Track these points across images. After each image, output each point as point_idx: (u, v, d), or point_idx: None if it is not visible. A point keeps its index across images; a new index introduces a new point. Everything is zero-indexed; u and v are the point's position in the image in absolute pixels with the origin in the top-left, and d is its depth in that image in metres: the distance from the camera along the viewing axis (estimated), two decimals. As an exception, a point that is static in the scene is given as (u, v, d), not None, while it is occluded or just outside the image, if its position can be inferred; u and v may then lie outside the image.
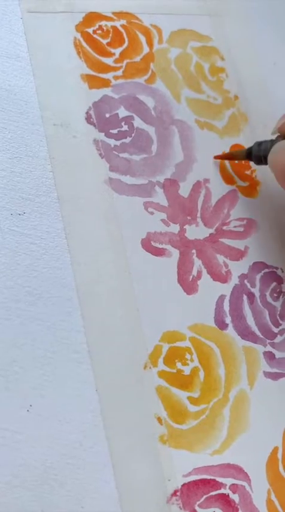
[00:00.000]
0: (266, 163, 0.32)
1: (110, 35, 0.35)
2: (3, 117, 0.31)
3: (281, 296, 0.34)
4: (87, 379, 0.29)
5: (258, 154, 0.32)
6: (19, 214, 0.30)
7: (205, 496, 0.29)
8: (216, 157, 0.34)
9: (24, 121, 0.31)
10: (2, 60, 0.32)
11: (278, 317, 0.34)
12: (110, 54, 0.34)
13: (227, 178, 0.35)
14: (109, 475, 0.28)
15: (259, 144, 0.32)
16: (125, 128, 0.33)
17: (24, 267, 0.29)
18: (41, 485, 0.27)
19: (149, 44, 0.36)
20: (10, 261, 0.29)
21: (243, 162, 0.35)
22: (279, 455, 0.31)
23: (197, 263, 0.33)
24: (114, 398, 0.29)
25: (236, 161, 0.35)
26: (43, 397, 0.28)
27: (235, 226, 0.34)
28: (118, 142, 0.33)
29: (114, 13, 0.35)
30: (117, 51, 0.34)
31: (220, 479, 0.30)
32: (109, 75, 0.34)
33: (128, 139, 0.33)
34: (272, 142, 0.31)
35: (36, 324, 0.28)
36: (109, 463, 0.28)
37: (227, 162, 0.35)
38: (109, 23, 0.35)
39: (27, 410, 0.27)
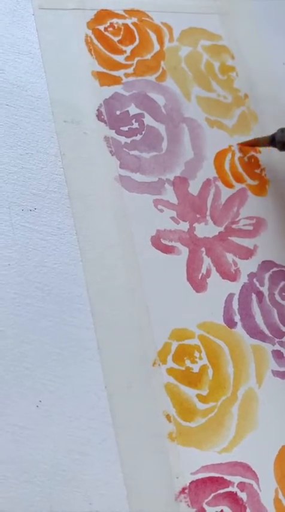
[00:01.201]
0: None
1: (121, 32, 0.35)
2: (14, 113, 0.31)
3: (289, 295, 0.34)
4: (96, 375, 0.29)
5: (282, 140, 0.33)
6: (30, 210, 0.30)
7: (213, 494, 0.29)
8: (240, 144, 0.34)
9: (35, 117, 0.31)
10: (13, 56, 0.32)
11: (286, 316, 0.34)
12: (121, 52, 0.34)
13: (237, 177, 0.35)
14: (117, 471, 0.28)
15: (283, 130, 0.33)
16: (136, 125, 0.33)
17: (34, 263, 0.29)
18: (49, 481, 0.27)
19: (160, 42, 0.36)
20: (21, 256, 0.29)
21: (268, 148, 0.35)
22: (287, 454, 0.31)
23: (207, 261, 0.33)
24: (123, 395, 0.29)
25: (260, 148, 0.35)
26: (52, 393, 0.28)
27: (244, 225, 0.34)
28: (128, 140, 0.33)
29: (125, 11, 0.35)
30: (128, 49, 0.35)
31: (228, 478, 0.30)
32: (120, 73, 0.34)
33: (138, 137, 0.33)
34: None
35: (46, 320, 0.28)
36: (117, 459, 0.28)
37: (237, 160, 0.35)
38: (121, 21, 0.35)
39: (37, 406, 0.27)
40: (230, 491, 0.29)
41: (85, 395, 0.28)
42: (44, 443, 0.27)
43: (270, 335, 0.33)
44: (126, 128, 0.33)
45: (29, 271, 0.29)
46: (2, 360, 0.27)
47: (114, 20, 0.35)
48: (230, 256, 0.33)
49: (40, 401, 0.27)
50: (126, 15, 0.35)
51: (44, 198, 0.30)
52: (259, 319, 0.33)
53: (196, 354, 0.31)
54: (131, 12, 0.35)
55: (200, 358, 0.31)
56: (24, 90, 0.31)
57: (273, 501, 0.30)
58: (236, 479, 0.30)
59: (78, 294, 0.29)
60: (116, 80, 0.34)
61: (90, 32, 0.34)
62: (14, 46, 0.32)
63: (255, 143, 0.35)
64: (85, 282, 0.30)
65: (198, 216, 0.33)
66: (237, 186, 0.35)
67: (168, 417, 0.29)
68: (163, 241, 0.32)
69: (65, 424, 0.27)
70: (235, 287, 0.33)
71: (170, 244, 0.32)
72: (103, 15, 0.35)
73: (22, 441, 0.27)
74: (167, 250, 0.32)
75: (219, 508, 0.29)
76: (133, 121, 0.33)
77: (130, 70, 0.34)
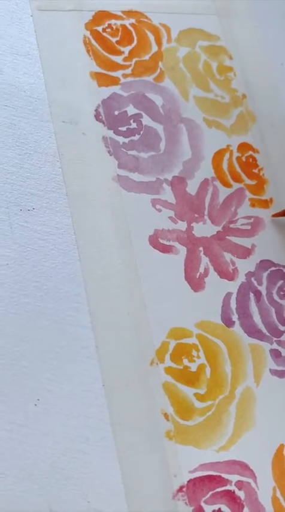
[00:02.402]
0: None
1: (119, 33, 0.35)
2: (13, 114, 0.31)
3: (287, 294, 0.34)
4: (94, 374, 0.29)
5: None
6: (28, 210, 0.30)
7: (210, 492, 0.29)
8: (274, 215, 0.34)
9: (33, 118, 0.31)
10: (12, 57, 0.32)
11: (284, 315, 0.34)
12: (119, 53, 0.34)
13: (235, 176, 0.35)
14: (115, 470, 0.28)
15: None
16: (134, 125, 0.33)
17: (33, 262, 0.29)
18: (47, 479, 0.27)
19: (158, 42, 0.36)
20: (19, 256, 0.29)
21: (265, 147, 0.35)
22: (285, 453, 0.31)
23: (205, 260, 0.33)
24: (121, 394, 0.29)
25: (257, 147, 0.35)
26: (50, 391, 0.28)
27: (242, 224, 0.34)
28: (126, 140, 0.33)
29: (123, 12, 0.36)
30: (126, 50, 0.35)
31: (225, 476, 0.30)
32: (118, 73, 0.34)
33: (136, 137, 0.33)
34: None
35: (44, 318, 0.29)
36: (115, 458, 0.28)
37: (235, 160, 0.35)
38: (119, 22, 0.35)
39: (35, 405, 0.27)
40: (228, 490, 0.30)
41: (83, 394, 0.28)
42: (42, 442, 0.27)
43: (268, 334, 0.33)
44: (124, 128, 0.33)
45: (27, 270, 0.29)
46: (0, 359, 0.27)
47: (112, 21, 0.35)
48: (228, 256, 0.33)
49: (38, 399, 0.27)
50: (124, 16, 0.35)
51: (42, 198, 0.30)
52: (257, 318, 0.33)
53: (194, 353, 0.31)
54: (129, 13, 0.36)
55: (198, 357, 0.31)
56: (22, 90, 0.32)
57: (271, 499, 0.30)
58: (234, 477, 0.30)
59: (76, 293, 0.30)
60: (114, 81, 0.34)
61: (88, 33, 0.34)
62: (13, 47, 0.32)
63: None
64: (83, 281, 0.30)
65: (196, 215, 0.33)
66: (236, 185, 0.35)
67: (166, 416, 0.29)
68: (161, 240, 0.32)
69: (63, 423, 0.28)
70: (233, 286, 0.33)
71: (168, 243, 0.32)
72: (101, 16, 0.35)
73: (20, 439, 0.27)
74: (165, 249, 0.32)
75: (217, 507, 0.29)
76: (131, 121, 0.33)
77: (128, 71, 0.34)
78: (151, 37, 0.36)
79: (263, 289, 0.34)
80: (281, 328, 0.33)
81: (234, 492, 0.30)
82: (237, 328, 0.32)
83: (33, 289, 0.29)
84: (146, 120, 0.34)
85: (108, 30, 0.35)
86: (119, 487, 0.28)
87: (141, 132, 0.33)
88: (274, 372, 0.32)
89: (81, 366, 0.29)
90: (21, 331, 0.28)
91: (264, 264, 0.34)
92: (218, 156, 0.35)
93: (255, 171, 0.36)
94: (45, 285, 0.29)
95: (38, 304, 0.29)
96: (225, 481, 0.30)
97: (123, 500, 0.28)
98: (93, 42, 0.34)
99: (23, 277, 0.29)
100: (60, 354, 0.28)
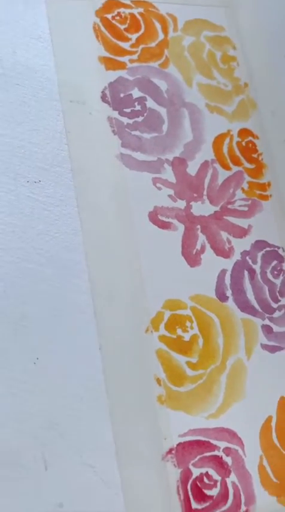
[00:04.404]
0: None
1: (128, 21, 0.37)
2: (24, 92, 0.33)
3: (281, 274, 0.35)
4: (91, 338, 0.30)
5: None
6: (35, 182, 0.32)
7: (199, 456, 0.30)
8: None
9: (43, 97, 0.33)
10: (25, 40, 0.34)
11: (277, 294, 0.35)
12: (127, 39, 0.36)
13: (235, 160, 0.37)
14: (107, 428, 0.29)
15: None
16: (138, 107, 0.35)
17: (37, 231, 0.31)
18: (43, 433, 0.28)
19: (165, 31, 0.38)
20: (24, 224, 0.31)
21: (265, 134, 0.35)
22: (273, 424, 0.32)
23: (202, 238, 0.34)
24: (116, 357, 0.30)
25: (258, 133, 0.35)
26: (49, 351, 0.29)
27: (239, 206, 0.36)
28: (130, 121, 0.34)
29: (132, 1, 0.37)
30: (134, 37, 0.36)
31: (214, 442, 0.31)
32: (125, 59, 0.36)
33: (140, 118, 0.35)
34: None
35: (46, 284, 0.30)
36: (108, 417, 0.29)
37: (235, 145, 0.37)
38: (128, 10, 0.37)
39: (34, 363, 0.29)
40: (216, 455, 0.31)
41: (80, 356, 0.30)
42: (39, 398, 0.29)
43: (260, 310, 0.34)
44: (128, 110, 0.35)
45: (31, 238, 0.31)
46: (3, 318, 0.29)
47: (121, 10, 0.37)
48: (224, 235, 0.35)
49: (37, 358, 0.29)
50: (133, 6, 0.37)
51: (48, 172, 0.32)
52: (250, 295, 0.34)
53: (188, 324, 0.32)
54: (138, 3, 0.37)
55: (192, 328, 0.32)
56: (34, 71, 0.33)
57: (258, 467, 0.31)
58: (222, 444, 0.31)
59: (77, 261, 0.31)
60: (121, 65, 0.35)
61: (98, 20, 0.36)
62: (26, 31, 0.34)
63: None
64: (84, 251, 0.31)
65: (195, 195, 0.35)
66: (235, 168, 0.36)
67: (158, 381, 0.31)
68: (160, 217, 0.34)
69: (60, 381, 0.29)
70: (228, 264, 0.34)
71: (167, 220, 0.34)
72: (111, 4, 0.37)
73: (19, 394, 0.28)
74: (164, 226, 0.34)
75: (204, 470, 0.30)
76: (136, 103, 0.35)
77: (135, 56, 0.36)
78: (158, 26, 0.37)
79: (257, 267, 0.35)
80: (274, 305, 0.35)
81: (221, 458, 0.31)
82: (230, 303, 0.34)
83: (37, 256, 0.31)
84: (150, 103, 0.35)
85: (117, 18, 0.36)
86: (110, 445, 0.29)
87: (145, 114, 0.35)
88: (265, 347, 0.34)
89: (79, 329, 0.30)
90: (24, 294, 0.30)
91: (260, 244, 0.36)
92: (218, 140, 0.36)
93: (255, 155, 0.37)
94: (48, 252, 0.31)
95: (40, 270, 0.30)
96: (213, 447, 0.31)
97: (114, 457, 0.29)
98: (102, 28, 0.36)
99: (27, 244, 0.31)
100: (59, 317, 0.30)
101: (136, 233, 0.33)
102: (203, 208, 0.35)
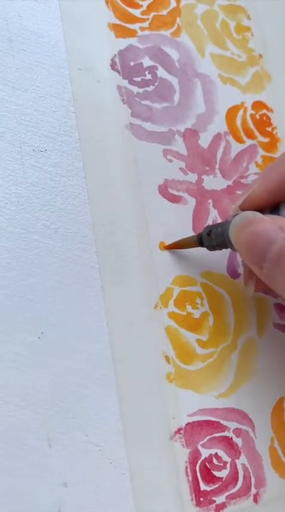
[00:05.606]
0: (220, 249, 0.29)
1: (139, -13, 0.35)
2: (30, 58, 0.31)
3: (295, 252, 0.34)
4: (98, 312, 0.29)
5: (210, 244, 0.29)
6: (41, 151, 0.30)
7: (208, 437, 0.29)
8: (165, 247, 0.31)
9: (50, 63, 0.32)
10: (32, 4, 0.32)
11: (291, 272, 0.34)
12: (138, 6, 0.35)
13: (248, 133, 0.35)
14: (114, 406, 0.28)
15: (209, 232, 0.29)
16: (148, 76, 0.34)
17: (43, 202, 0.30)
18: (47, 410, 0.27)
19: (177, -1, 0.36)
20: (30, 194, 0.30)
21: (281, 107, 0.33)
22: (285, 405, 0.31)
23: (213, 213, 0.33)
24: (124, 333, 0.29)
25: (272, 107, 0.34)
26: (55, 325, 0.28)
27: (253, 180, 0.34)
28: (141, 90, 0.33)
29: None
30: (145, 4, 0.35)
31: (224, 422, 0.30)
32: (135, 26, 0.34)
33: (151, 88, 0.33)
34: (223, 225, 0.29)
35: (52, 256, 0.29)
36: (115, 394, 0.28)
37: (248, 117, 0.35)
38: (139, -24, 0.35)
39: (39, 337, 0.28)
40: (226, 436, 0.30)
41: (86, 331, 0.29)
42: (44, 373, 0.28)
43: (273, 288, 0.33)
44: (138, 79, 0.33)
45: (37, 209, 0.29)
46: (7, 291, 0.28)
47: (132, -25, 0.35)
48: (237, 210, 0.34)
49: (42, 332, 0.28)
50: (144, -29, 0.36)
51: (54, 141, 0.31)
52: (263, 272, 0.33)
53: (198, 301, 0.31)
54: None
55: (202, 305, 0.31)
56: (41, 37, 0.32)
57: (269, 449, 0.30)
58: (232, 425, 0.30)
59: (84, 234, 0.30)
60: (131, 33, 0.34)
61: (108, -15, 0.34)
62: (33, -5, 0.33)
63: (181, 245, 0.31)
64: (91, 224, 0.30)
65: (207, 168, 0.34)
66: (248, 142, 0.35)
67: (167, 358, 0.30)
68: (170, 190, 0.32)
69: (66, 357, 0.28)
70: (240, 240, 0.33)
71: (177, 194, 0.33)
72: None
73: (23, 369, 0.27)
74: (174, 199, 0.32)
75: (213, 451, 0.29)
76: (146, 72, 0.34)
77: (146, 24, 0.35)
78: (170, -7, 0.36)
79: (270, 244, 0.34)
80: (287, 283, 0.33)
81: (231, 439, 0.30)
82: (242, 281, 0.32)
83: (42, 227, 0.29)
84: (161, 73, 0.34)
85: (128, -17, 0.35)
86: (117, 423, 0.28)
87: (156, 84, 0.34)
88: (277, 326, 0.32)
89: (86, 304, 0.29)
90: (29, 266, 0.29)
91: (273, 220, 0.34)
92: (232, 111, 0.35)
93: (269, 129, 0.36)
94: (54, 224, 0.30)
95: (46, 242, 0.29)
96: (223, 427, 0.30)
97: (121, 436, 0.28)
98: (112, -6, 0.34)
99: (33, 215, 0.29)
100: (65, 290, 0.29)
101: (145, 206, 0.31)
102: (215, 182, 0.34)
